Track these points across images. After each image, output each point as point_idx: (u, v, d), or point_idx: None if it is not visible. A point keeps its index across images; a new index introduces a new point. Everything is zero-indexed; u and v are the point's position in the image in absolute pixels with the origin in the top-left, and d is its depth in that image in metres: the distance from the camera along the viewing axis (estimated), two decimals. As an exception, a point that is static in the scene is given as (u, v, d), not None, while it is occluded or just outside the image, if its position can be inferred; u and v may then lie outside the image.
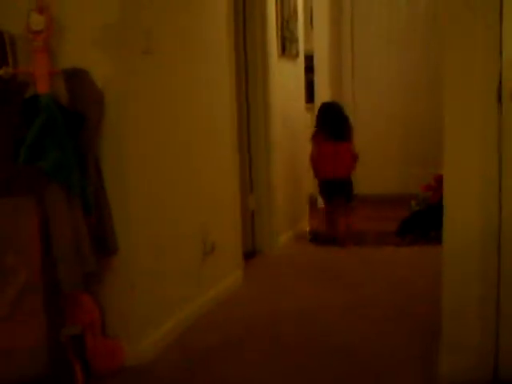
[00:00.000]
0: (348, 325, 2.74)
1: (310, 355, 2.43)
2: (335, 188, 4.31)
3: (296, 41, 4.52)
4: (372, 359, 2.37)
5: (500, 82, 1.97)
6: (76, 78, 2.21)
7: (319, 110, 4.48)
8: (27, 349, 2.04)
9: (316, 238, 4.49)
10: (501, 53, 1.97)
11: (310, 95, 5.59)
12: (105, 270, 2.31)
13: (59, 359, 2.06)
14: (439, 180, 3.83)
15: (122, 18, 2.27)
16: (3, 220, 2.05)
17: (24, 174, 2.08)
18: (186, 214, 2.81)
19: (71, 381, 2.09)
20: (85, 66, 2.21)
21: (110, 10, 2.24)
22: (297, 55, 4.58)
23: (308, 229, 4.77)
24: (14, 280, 2.02)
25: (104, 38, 2.24)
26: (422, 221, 4.24)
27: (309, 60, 5.46)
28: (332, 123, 4.30)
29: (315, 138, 4.34)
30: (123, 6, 2.28)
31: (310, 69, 5.53)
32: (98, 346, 2.27)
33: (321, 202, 5.68)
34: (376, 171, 5.94)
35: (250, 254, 3.93)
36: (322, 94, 5.73)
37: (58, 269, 2.04)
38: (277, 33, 4.13)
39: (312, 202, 5.29)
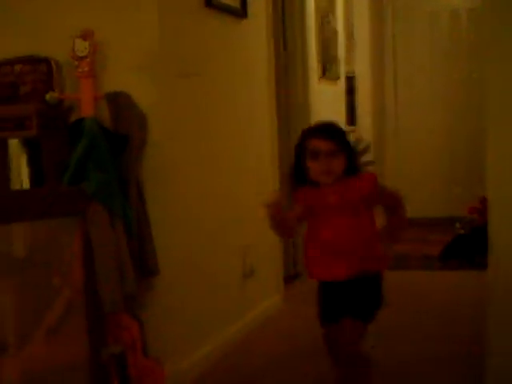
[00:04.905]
0: (388, 349, 2.68)
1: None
2: None
3: (336, 62, 4.53)
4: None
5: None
6: (118, 101, 2.26)
7: None
8: (69, 366, 2.06)
9: None
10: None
11: (351, 117, 5.55)
12: (146, 291, 2.33)
13: (100, 378, 2.08)
14: (485, 202, 3.76)
15: (162, 44, 2.32)
16: (49, 241, 2.09)
17: (67, 195, 2.12)
18: (227, 237, 2.82)
19: (112, 400, 2.11)
20: (127, 90, 2.26)
21: (150, 36, 2.29)
22: (337, 77, 4.58)
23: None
24: (59, 298, 2.06)
25: (145, 63, 2.29)
26: (466, 245, 4.13)
27: (350, 81, 5.43)
28: None
29: None
30: (163, 32, 2.33)
31: (351, 90, 5.49)
32: (139, 366, 2.28)
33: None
34: (420, 192, 5.81)
35: (291, 277, 3.90)
36: (364, 116, 5.69)
37: (100, 289, 2.07)
38: (317, 55, 4.14)
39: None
